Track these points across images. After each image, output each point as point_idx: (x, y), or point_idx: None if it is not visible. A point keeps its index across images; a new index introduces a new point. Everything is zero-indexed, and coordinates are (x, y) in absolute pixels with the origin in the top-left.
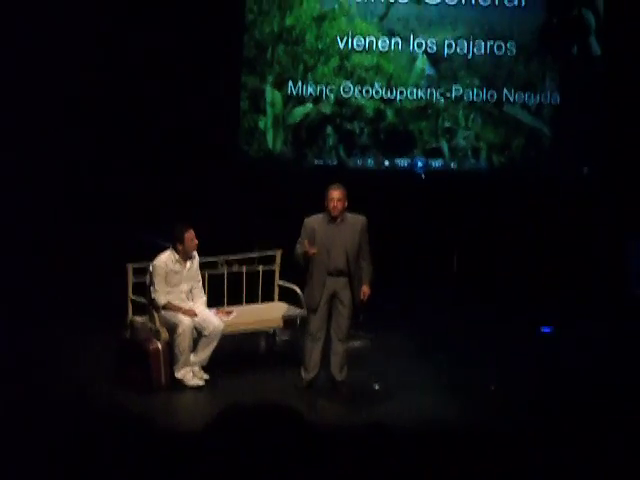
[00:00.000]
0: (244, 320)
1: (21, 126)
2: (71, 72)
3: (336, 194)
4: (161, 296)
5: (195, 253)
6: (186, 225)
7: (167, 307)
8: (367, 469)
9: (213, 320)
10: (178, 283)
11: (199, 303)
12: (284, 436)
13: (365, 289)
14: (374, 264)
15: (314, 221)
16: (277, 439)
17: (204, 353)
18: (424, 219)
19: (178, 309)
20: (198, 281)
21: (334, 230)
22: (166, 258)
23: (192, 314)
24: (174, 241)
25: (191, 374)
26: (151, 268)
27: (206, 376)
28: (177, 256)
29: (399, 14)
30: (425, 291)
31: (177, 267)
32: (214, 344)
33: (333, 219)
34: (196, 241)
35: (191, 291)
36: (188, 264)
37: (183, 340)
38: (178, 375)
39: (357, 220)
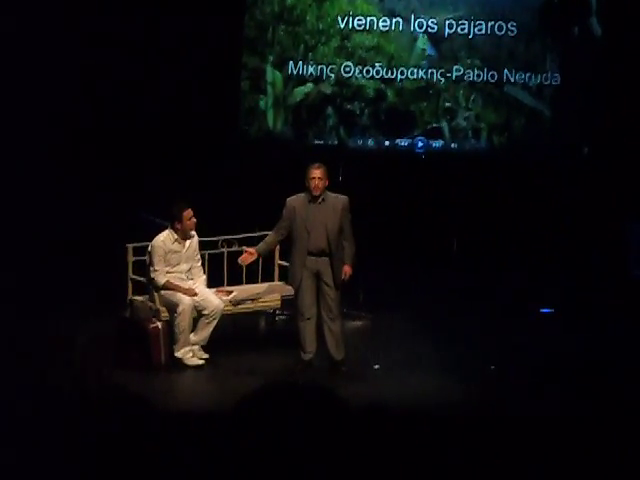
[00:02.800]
0: (244, 300)
1: (18, 105)
2: (70, 53)
3: (317, 173)
4: (161, 276)
5: (194, 232)
6: (184, 204)
7: (167, 286)
8: (366, 450)
9: (213, 300)
10: (177, 263)
11: (199, 282)
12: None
13: (347, 269)
14: (357, 244)
15: (295, 201)
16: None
17: (204, 333)
18: (424, 199)
19: (178, 288)
20: (197, 260)
21: (314, 210)
22: (165, 238)
23: (192, 293)
24: (172, 220)
25: (191, 353)
26: (150, 248)
27: (206, 355)
28: (176, 235)
29: None
30: (425, 271)
31: (176, 246)
32: (214, 324)
33: (314, 199)
34: (194, 220)
35: (190, 270)
36: (187, 243)
37: (183, 319)
38: (178, 354)
39: (338, 200)
